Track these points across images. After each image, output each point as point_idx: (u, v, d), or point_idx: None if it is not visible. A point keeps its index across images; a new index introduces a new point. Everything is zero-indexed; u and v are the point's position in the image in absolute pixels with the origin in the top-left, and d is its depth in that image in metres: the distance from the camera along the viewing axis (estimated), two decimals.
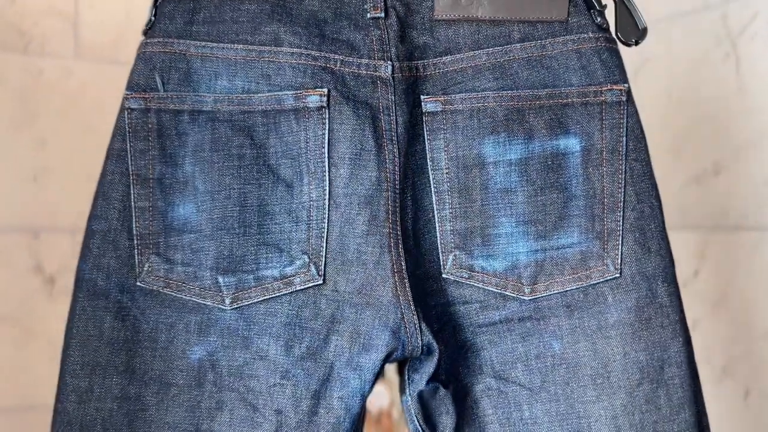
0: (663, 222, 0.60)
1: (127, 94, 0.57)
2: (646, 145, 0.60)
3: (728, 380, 1.02)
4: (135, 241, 0.56)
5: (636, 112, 0.60)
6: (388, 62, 0.57)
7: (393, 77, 0.57)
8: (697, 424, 0.59)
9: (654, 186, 0.60)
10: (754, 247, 0.98)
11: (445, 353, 0.59)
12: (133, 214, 0.57)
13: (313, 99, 0.57)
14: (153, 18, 0.58)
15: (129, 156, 0.57)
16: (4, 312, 1.06)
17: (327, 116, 0.57)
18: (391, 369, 0.67)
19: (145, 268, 0.56)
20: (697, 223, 1.05)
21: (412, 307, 0.57)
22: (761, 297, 1.00)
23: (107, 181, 0.57)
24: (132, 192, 0.57)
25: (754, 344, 1.01)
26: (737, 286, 1.03)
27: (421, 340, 0.57)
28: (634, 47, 0.62)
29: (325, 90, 0.57)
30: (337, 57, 0.57)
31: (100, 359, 0.56)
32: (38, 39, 1.08)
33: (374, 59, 0.57)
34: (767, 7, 0.93)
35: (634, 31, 0.60)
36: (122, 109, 0.58)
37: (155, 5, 0.59)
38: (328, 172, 0.57)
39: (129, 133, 0.57)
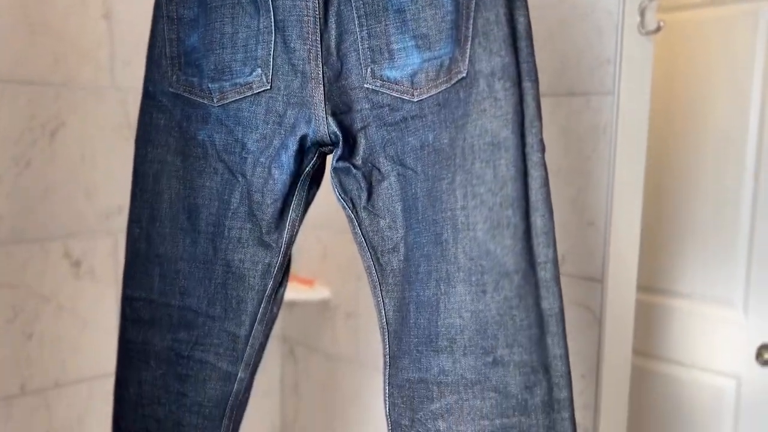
0: (513, 28, 0.68)
1: None
2: None
3: None
4: (168, 61, 0.78)
5: None
6: None
7: None
8: (521, 198, 0.68)
9: None
10: None
11: (366, 146, 0.75)
12: (166, 44, 0.78)
13: None
14: None
15: (163, 5, 0.78)
16: None
17: None
18: None
19: (173, 79, 0.78)
20: None
21: (323, 105, 0.74)
22: None
23: (154, 23, 0.79)
24: (165, 28, 0.78)
25: None
26: None
27: (328, 129, 0.75)
28: None
29: None
30: None
31: (150, 137, 0.79)
32: None
33: None
34: None
35: None
36: None
37: None
38: (272, 6, 0.74)
39: None
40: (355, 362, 1.59)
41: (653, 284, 1.56)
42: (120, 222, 1.38)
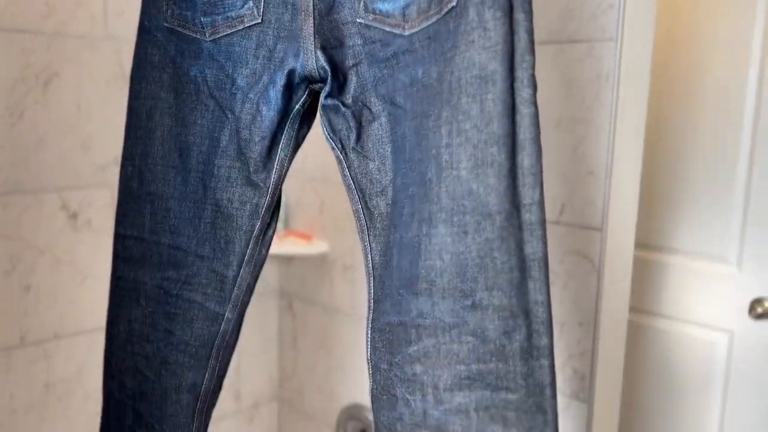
0: None
1: None
2: None
3: None
4: None
5: None
6: None
7: None
8: (507, 135, 0.64)
9: None
10: None
11: (358, 84, 0.73)
12: None
13: None
14: None
15: None
16: None
17: None
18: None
19: (168, 13, 0.77)
20: None
21: (312, 38, 0.72)
22: None
23: None
24: None
25: None
26: None
27: (316, 63, 0.73)
28: None
29: None
30: None
31: (145, 73, 0.78)
32: None
33: None
34: None
35: None
36: None
37: None
38: None
39: None
40: (352, 315, 1.60)
41: (649, 240, 1.55)
42: (116, 173, 1.37)
